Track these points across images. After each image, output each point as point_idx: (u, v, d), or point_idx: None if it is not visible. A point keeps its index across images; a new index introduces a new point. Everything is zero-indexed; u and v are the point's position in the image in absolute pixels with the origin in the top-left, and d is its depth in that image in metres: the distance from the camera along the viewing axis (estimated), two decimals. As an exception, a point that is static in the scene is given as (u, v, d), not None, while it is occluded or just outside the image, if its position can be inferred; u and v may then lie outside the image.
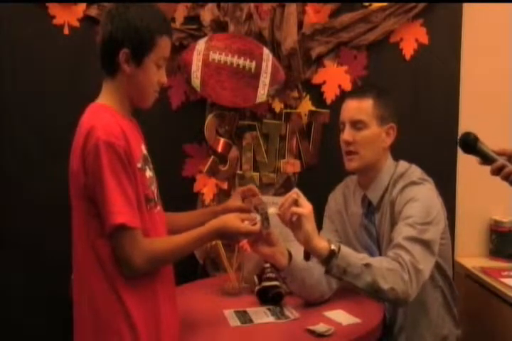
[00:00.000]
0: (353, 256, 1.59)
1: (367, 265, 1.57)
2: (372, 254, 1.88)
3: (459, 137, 1.53)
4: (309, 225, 1.57)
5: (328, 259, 1.56)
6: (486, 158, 1.48)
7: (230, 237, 1.58)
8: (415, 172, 1.89)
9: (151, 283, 1.47)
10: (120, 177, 1.39)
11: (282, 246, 1.74)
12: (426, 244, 1.68)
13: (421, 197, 1.78)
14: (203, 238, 1.53)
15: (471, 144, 1.49)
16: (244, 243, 2.00)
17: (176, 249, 1.49)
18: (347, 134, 1.86)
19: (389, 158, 1.93)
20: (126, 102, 1.52)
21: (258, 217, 1.60)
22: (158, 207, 1.55)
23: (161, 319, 1.48)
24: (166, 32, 1.52)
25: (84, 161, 1.40)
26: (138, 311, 1.44)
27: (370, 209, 1.93)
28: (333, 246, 1.57)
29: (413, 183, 1.82)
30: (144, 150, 1.54)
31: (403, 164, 1.93)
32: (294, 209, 1.59)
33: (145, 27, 1.46)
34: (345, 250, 1.58)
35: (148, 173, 1.52)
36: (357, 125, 1.85)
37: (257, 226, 1.57)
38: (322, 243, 1.58)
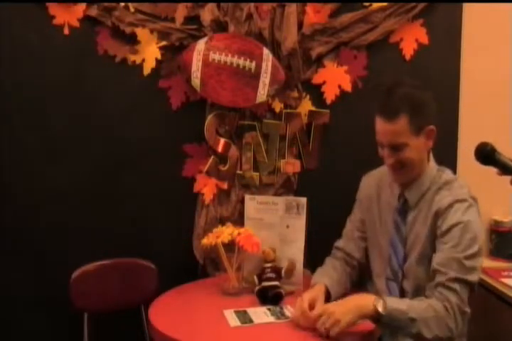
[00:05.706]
0: (398, 312, 1.61)
1: (412, 319, 1.60)
2: (395, 252, 1.87)
3: (475, 148, 1.46)
4: (345, 321, 1.61)
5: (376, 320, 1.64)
6: (505, 169, 1.42)
7: None
8: (465, 187, 1.83)
9: None
10: None
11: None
12: (472, 286, 1.69)
13: (473, 226, 1.73)
14: None
15: (489, 156, 1.43)
16: (244, 243, 2.01)
17: None
18: (389, 158, 1.79)
19: (431, 159, 1.88)
20: None
21: None
22: None
23: None
24: None
25: None
26: None
27: (404, 206, 1.88)
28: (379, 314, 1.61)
29: (464, 201, 1.77)
30: None
31: (447, 171, 1.89)
32: (329, 328, 1.61)
33: None
34: (390, 308, 1.61)
35: None
36: (398, 147, 1.78)
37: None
38: (369, 312, 1.63)
